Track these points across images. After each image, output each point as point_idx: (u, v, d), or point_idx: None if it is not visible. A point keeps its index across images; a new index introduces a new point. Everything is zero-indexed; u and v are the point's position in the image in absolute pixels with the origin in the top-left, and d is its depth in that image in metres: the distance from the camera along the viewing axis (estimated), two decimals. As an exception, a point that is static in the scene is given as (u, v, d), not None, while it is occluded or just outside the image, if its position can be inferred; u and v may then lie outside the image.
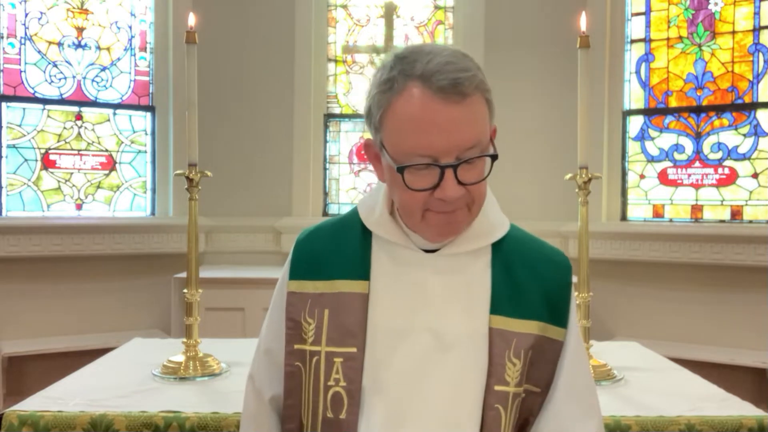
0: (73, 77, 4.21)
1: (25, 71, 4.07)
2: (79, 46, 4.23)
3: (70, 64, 4.20)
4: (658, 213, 4.21)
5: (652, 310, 4.06)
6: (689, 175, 4.11)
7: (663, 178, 4.19)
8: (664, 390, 1.78)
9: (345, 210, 1.33)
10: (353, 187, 4.60)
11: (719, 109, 4.05)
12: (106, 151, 4.30)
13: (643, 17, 4.28)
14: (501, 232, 1.17)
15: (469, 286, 1.14)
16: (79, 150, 4.22)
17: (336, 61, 4.60)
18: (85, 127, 4.24)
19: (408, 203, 1.06)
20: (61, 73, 4.17)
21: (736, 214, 3.99)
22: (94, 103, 4.26)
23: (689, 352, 3.57)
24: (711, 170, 4.06)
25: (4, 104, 4.00)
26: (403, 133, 1.02)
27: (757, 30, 3.95)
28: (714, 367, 3.42)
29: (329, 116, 4.58)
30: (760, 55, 3.94)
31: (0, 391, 3.68)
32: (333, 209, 4.57)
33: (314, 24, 4.49)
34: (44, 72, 4.13)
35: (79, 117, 4.22)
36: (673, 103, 4.18)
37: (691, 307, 3.96)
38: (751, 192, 3.96)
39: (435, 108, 0.99)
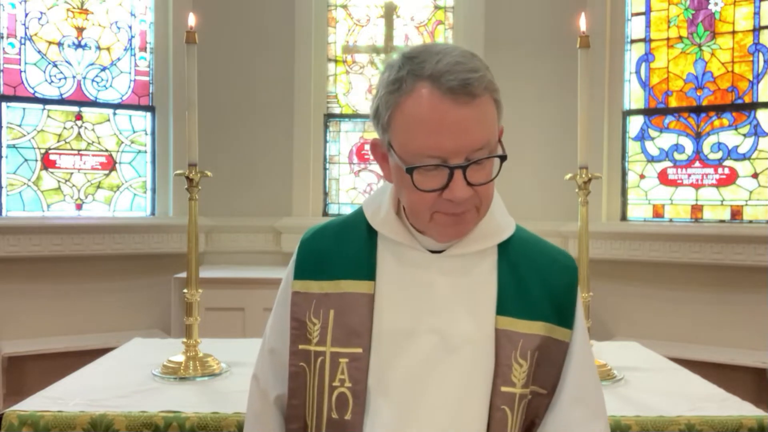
0: (73, 77, 4.21)
1: (25, 71, 4.07)
2: (79, 46, 4.23)
3: (70, 64, 4.20)
4: (658, 213, 4.21)
5: (652, 310, 4.06)
6: (689, 175, 4.11)
7: (663, 178, 4.19)
8: (664, 390, 1.78)
9: (345, 210, 1.33)
10: (353, 187, 4.60)
11: (719, 109, 4.05)
12: (106, 151, 4.30)
13: (643, 17, 4.28)
14: (507, 232, 1.17)
15: (476, 286, 1.14)
16: (79, 150, 4.22)
17: (336, 61, 4.60)
18: (85, 127, 4.24)
19: (416, 204, 1.06)
20: (61, 73, 4.18)
21: (736, 214, 3.99)
22: (94, 103, 4.26)
23: (689, 352, 3.57)
24: (711, 170, 4.06)
25: (4, 104, 4.00)
26: (412, 133, 1.01)
27: (757, 30, 3.95)
28: (714, 367, 3.42)
29: (329, 116, 4.58)
30: (760, 55, 3.94)
31: (0, 391, 3.68)
32: (333, 209, 4.57)
33: (314, 24, 4.49)
34: (44, 72, 4.13)
35: (79, 117, 4.22)
36: (673, 103, 4.18)
37: (691, 307, 3.96)
38: (751, 192, 3.96)
39: (444, 109, 0.98)
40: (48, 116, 4.14)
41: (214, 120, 4.05)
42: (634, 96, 4.30)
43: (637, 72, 4.29)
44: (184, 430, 1.52)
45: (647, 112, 4.26)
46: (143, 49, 4.42)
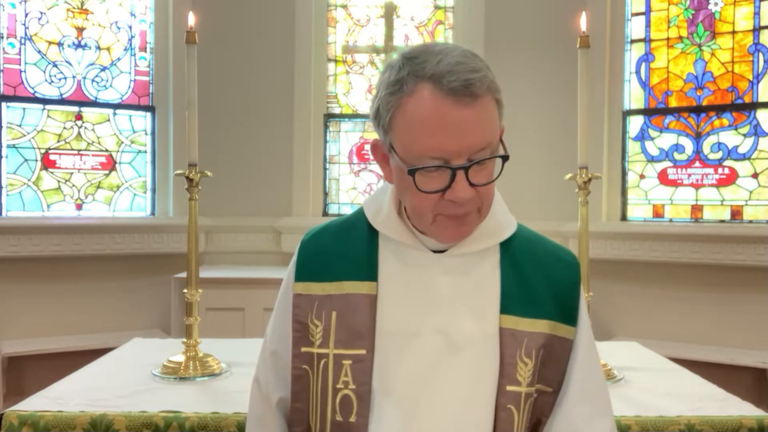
0: (73, 77, 4.21)
1: (25, 71, 4.07)
2: (79, 46, 4.23)
3: (70, 64, 4.20)
4: (658, 213, 4.21)
5: (652, 310, 4.06)
6: (689, 175, 4.11)
7: (663, 178, 4.19)
8: (664, 390, 1.78)
9: (345, 210, 1.33)
10: (353, 187, 4.60)
11: (719, 109, 4.05)
12: (106, 151, 4.30)
13: (643, 17, 4.28)
14: (509, 231, 1.17)
15: (479, 286, 1.13)
16: (79, 150, 4.22)
17: (336, 61, 4.60)
18: (85, 127, 4.24)
19: (419, 206, 1.06)
20: (61, 73, 4.18)
21: (736, 214, 3.99)
22: (94, 103, 4.26)
23: (689, 352, 3.57)
24: (711, 170, 4.06)
25: (4, 104, 4.00)
26: (414, 135, 1.01)
27: (757, 30, 3.95)
28: (714, 367, 3.42)
29: (329, 116, 4.58)
30: (760, 55, 3.94)
31: (0, 391, 3.68)
32: (333, 209, 4.57)
33: (314, 24, 4.49)
34: (44, 72, 4.13)
35: (79, 117, 4.22)
36: (673, 103, 4.18)
37: (691, 307, 3.96)
38: (751, 192, 3.96)
39: (446, 110, 0.98)
40: (48, 116, 4.14)
41: (214, 120, 4.05)
42: (634, 96, 4.30)
43: (637, 72, 4.29)
44: (184, 430, 1.52)
45: (647, 112, 4.26)
46: (143, 49, 4.42)
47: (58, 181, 4.16)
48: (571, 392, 1.14)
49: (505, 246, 1.16)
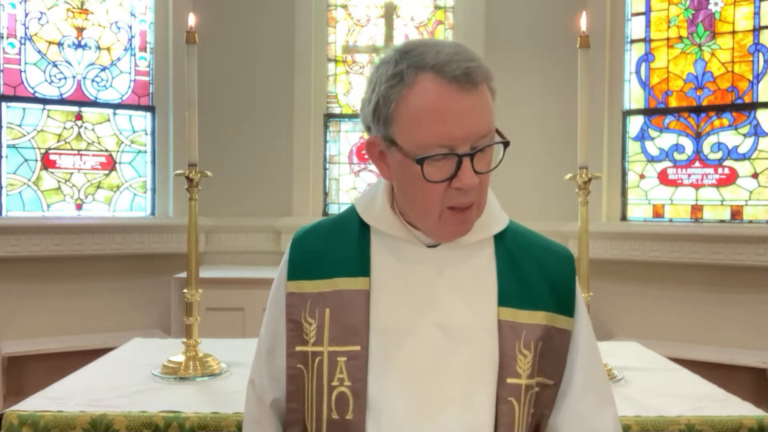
0: (73, 77, 4.21)
1: (25, 71, 4.07)
2: (79, 46, 4.23)
3: (70, 64, 4.20)
4: (658, 213, 4.21)
5: (652, 310, 4.06)
6: (689, 175, 4.11)
7: (663, 178, 4.19)
8: (664, 390, 1.78)
9: (345, 210, 1.33)
10: (353, 187, 4.60)
11: (719, 109, 4.05)
12: (106, 151, 4.30)
13: (643, 17, 4.28)
14: (502, 224, 1.18)
15: (475, 278, 1.14)
16: (79, 150, 4.22)
17: (336, 61, 4.60)
18: (85, 127, 4.24)
19: (425, 200, 1.06)
20: (61, 73, 4.17)
21: (736, 214, 3.99)
22: (94, 103, 4.26)
23: (689, 352, 3.57)
24: (711, 170, 4.06)
25: (4, 104, 4.01)
26: (419, 124, 1.02)
27: (757, 30, 3.95)
28: (714, 367, 3.42)
29: (329, 116, 4.58)
30: (760, 55, 3.94)
31: (0, 391, 3.68)
32: (333, 209, 4.57)
33: (314, 24, 4.49)
34: (44, 72, 4.13)
35: (79, 117, 4.22)
36: (673, 103, 4.18)
37: (691, 307, 3.96)
38: (751, 192, 3.96)
39: (451, 98, 1.00)
40: (48, 116, 4.14)
41: (214, 120, 4.05)
42: (634, 96, 4.30)
43: (637, 72, 4.29)
44: (184, 430, 1.52)
45: (647, 112, 4.26)
46: (143, 49, 4.42)
47: (58, 181, 4.16)
48: (576, 384, 1.15)
49: (499, 239, 1.17)
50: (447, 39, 4.52)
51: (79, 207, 4.22)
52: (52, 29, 4.15)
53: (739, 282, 3.85)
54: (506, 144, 1.06)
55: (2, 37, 3.99)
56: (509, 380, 1.09)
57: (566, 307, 1.16)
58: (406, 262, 1.14)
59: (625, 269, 4.12)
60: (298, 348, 1.14)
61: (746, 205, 3.97)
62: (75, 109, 4.21)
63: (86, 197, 4.24)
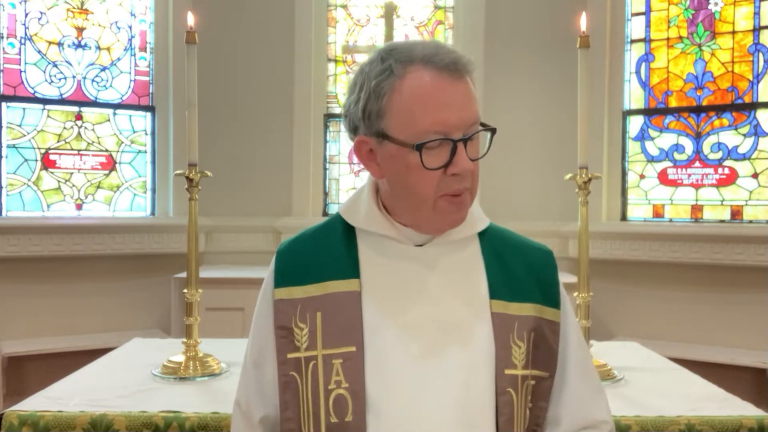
0: (73, 77, 4.21)
1: (25, 71, 4.07)
2: (79, 46, 4.23)
3: (70, 64, 4.20)
4: (658, 213, 4.21)
5: (652, 310, 4.06)
6: (689, 175, 4.11)
7: (663, 178, 4.19)
8: (664, 390, 1.78)
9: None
10: (353, 187, 4.60)
11: (719, 109, 4.05)
12: (106, 151, 4.30)
13: (643, 17, 4.28)
14: (484, 223, 1.21)
15: (465, 273, 1.16)
16: (79, 150, 4.22)
17: (336, 61, 4.59)
18: (85, 127, 4.24)
19: (421, 188, 1.07)
20: (61, 73, 4.17)
21: (736, 214, 3.99)
22: (94, 103, 4.26)
23: (689, 352, 3.56)
24: (711, 170, 4.06)
25: (4, 104, 4.00)
26: (415, 111, 1.04)
27: (757, 30, 3.95)
28: (714, 367, 3.42)
29: (329, 116, 4.58)
30: (760, 55, 3.94)
31: (0, 391, 3.68)
32: (333, 209, 4.57)
33: (314, 24, 4.49)
34: (44, 72, 4.13)
35: (79, 117, 4.22)
36: (673, 103, 4.18)
37: (691, 307, 3.96)
38: (751, 192, 3.96)
39: (443, 85, 1.04)
40: (48, 116, 4.14)
41: (214, 120, 4.04)
42: (634, 96, 4.30)
43: (637, 72, 4.29)
44: (184, 430, 1.52)
45: (647, 112, 4.26)
46: (143, 49, 4.42)
47: (58, 181, 4.16)
48: (571, 373, 1.18)
49: (482, 237, 1.20)
50: (447, 39, 4.53)
51: (79, 207, 4.22)
52: (52, 29, 4.15)
53: (739, 282, 3.85)
54: (493, 131, 1.11)
55: (2, 37, 3.99)
56: (507, 371, 1.10)
57: (552, 299, 1.19)
58: (395, 260, 1.15)
59: (625, 269, 4.12)
60: (290, 355, 1.13)
61: (746, 205, 3.97)
62: (75, 109, 4.21)
63: (86, 197, 4.24)
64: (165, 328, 4.13)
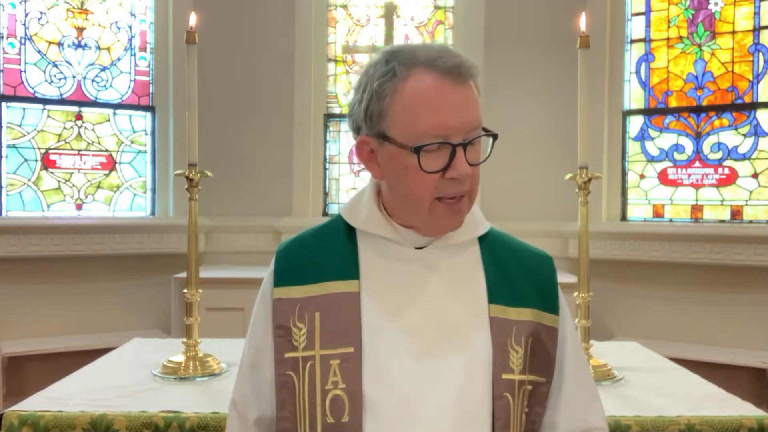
0: (73, 77, 4.21)
1: (25, 71, 4.07)
2: (79, 46, 4.23)
3: (70, 64, 4.20)
4: (658, 213, 4.21)
5: (652, 310, 4.06)
6: (689, 175, 4.11)
7: (663, 178, 4.19)
8: (664, 390, 1.78)
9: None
10: (353, 187, 4.60)
11: (719, 109, 4.05)
12: (106, 151, 4.30)
13: (643, 17, 4.28)
14: (485, 227, 1.21)
15: (465, 277, 1.16)
16: (79, 150, 4.22)
17: (336, 61, 4.60)
18: (85, 127, 4.24)
19: (417, 191, 1.08)
20: (61, 73, 4.17)
21: (736, 214, 3.99)
22: (94, 103, 4.26)
23: (689, 352, 3.56)
24: (711, 170, 4.06)
25: (4, 104, 4.00)
26: (414, 114, 1.05)
27: (757, 30, 3.95)
28: (714, 367, 3.42)
29: (329, 116, 4.58)
30: (760, 55, 3.94)
31: (0, 391, 3.68)
32: (333, 209, 4.57)
33: (314, 24, 4.49)
34: (44, 72, 4.13)
35: (79, 117, 4.22)
36: (673, 103, 4.19)
37: (691, 307, 3.96)
38: (751, 192, 3.96)
39: (445, 88, 1.04)
40: (48, 116, 4.14)
41: (214, 120, 4.05)
42: (634, 96, 4.30)
43: (637, 72, 4.29)
44: (184, 430, 1.52)
45: (647, 112, 4.26)
46: (143, 49, 4.42)
47: (58, 181, 4.16)
48: (567, 379, 1.18)
49: (483, 241, 1.20)
50: (447, 39, 4.53)
51: (79, 207, 4.22)
52: (52, 29, 4.15)
53: (739, 282, 3.85)
54: (495, 136, 1.10)
55: (2, 37, 3.99)
56: (504, 376, 1.10)
57: (551, 305, 1.19)
58: (394, 262, 1.15)
59: (625, 269, 4.12)
60: (288, 354, 1.13)
61: (746, 205, 3.97)
62: (75, 109, 4.21)
63: (86, 197, 4.24)
64: (165, 328, 4.13)
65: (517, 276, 1.18)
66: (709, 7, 4.09)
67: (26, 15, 4.07)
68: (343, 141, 4.61)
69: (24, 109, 4.07)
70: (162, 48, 4.41)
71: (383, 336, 1.10)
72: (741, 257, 3.80)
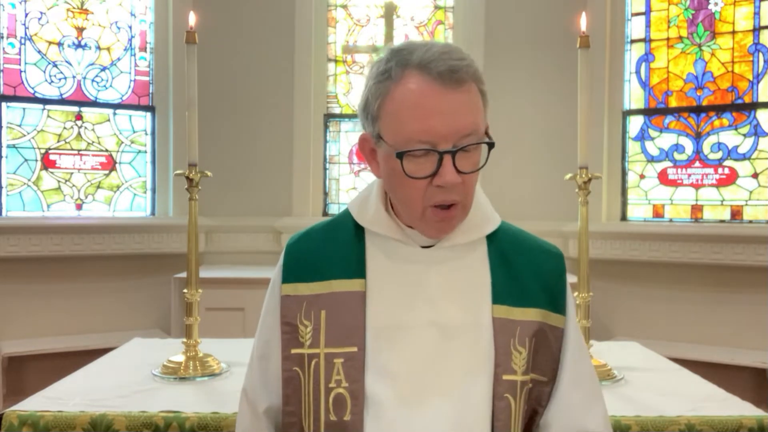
0: (73, 77, 4.21)
1: (25, 71, 4.07)
2: (79, 46, 4.23)
3: (70, 64, 4.20)
4: (658, 213, 4.21)
5: (652, 310, 4.06)
6: (689, 175, 4.11)
7: (663, 178, 4.19)
8: (664, 390, 1.78)
9: (345, 210, 1.33)
10: (353, 187, 4.60)
11: (719, 109, 4.05)
12: (106, 151, 4.30)
13: (643, 17, 4.28)
14: (494, 224, 1.20)
15: (469, 277, 1.15)
16: (79, 150, 4.22)
17: (336, 61, 4.60)
18: (85, 127, 4.24)
19: (408, 196, 1.07)
20: (61, 73, 4.17)
21: (736, 214, 3.99)
22: (94, 103, 4.26)
23: (689, 352, 3.56)
24: (711, 170, 4.06)
25: (4, 104, 4.00)
26: (402, 118, 1.03)
27: (757, 30, 3.95)
28: (714, 367, 3.42)
29: (329, 116, 4.58)
30: (760, 55, 3.94)
31: (0, 391, 3.68)
32: (333, 209, 4.57)
33: (314, 24, 4.49)
34: (44, 72, 4.13)
35: (79, 117, 4.22)
36: (673, 103, 4.18)
37: (691, 307, 3.96)
38: (751, 192, 3.96)
39: (434, 94, 1.01)
40: (48, 116, 4.14)
41: (214, 120, 4.05)
42: (634, 96, 4.30)
43: (637, 72, 4.29)
44: (184, 430, 1.52)
45: (647, 112, 4.26)
46: (143, 49, 4.42)
47: (58, 181, 4.16)
48: (565, 379, 1.16)
49: (491, 239, 1.19)
50: (447, 39, 4.52)
51: (79, 207, 4.22)
52: (52, 29, 4.15)
53: (739, 282, 3.85)
54: (491, 145, 1.07)
55: (2, 37, 3.99)
56: (505, 377, 1.10)
57: (558, 305, 1.18)
58: (400, 262, 1.15)
59: (625, 269, 4.12)
60: (294, 351, 1.14)
61: (746, 205, 3.97)
62: (75, 109, 4.21)
63: (86, 197, 4.24)
64: (165, 328, 4.13)
65: (525, 275, 1.17)
66: (709, 7, 4.09)
67: (26, 15, 4.07)
68: (343, 141, 4.61)
69: (24, 109, 4.07)
70: (162, 48, 4.41)
71: (386, 337, 1.10)
72: (741, 257, 3.80)
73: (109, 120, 4.32)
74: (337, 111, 4.60)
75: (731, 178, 4.00)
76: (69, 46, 4.20)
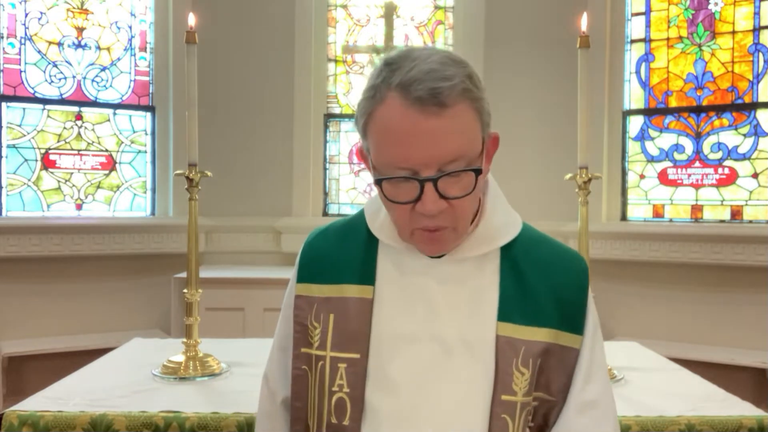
0: (73, 77, 4.21)
1: (25, 71, 4.07)
2: (79, 46, 4.23)
3: (70, 64, 4.20)
4: (658, 213, 4.21)
5: (652, 310, 4.06)
6: (689, 175, 4.11)
7: (663, 178, 4.19)
8: (664, 390, 1.78)
9: (345, 210, 1.33)
10: (353, 187, 4.60)
11: (719, 109, 4.05)
12: (106, 151, 4.30)
13: (643, 17, 4.28)
14: (510, 234, 1.13)
15: (476, 292, 1.11)
16: (79, 150, 4.22)
17: (336, 61, 4.60)
18: (85, 127, 4.24)
19: (394, 216, 1.05)
20: (61, 73, 4.17)
21: (736, 214, 3.99)
22: (94, 103, 4.26)
23: (689, 352, 3.57)
24: (711, 170, 4.06)
25: (4, 104, 4.00)
26: (381, 144, 0.99)
27: (757, 30, 3.95)
28: (714, 367, 3.42)
29: (329, 116, 4.58)
30: (760, 55, 3.94)
31: (0, 391, 3.68)
32: (333, 209, 4.57)
33: (314, 24, 4.49)
34: (44, 72, 4.13)
35: (79, 117, 4.22)
36: (673, 103, 4.18)
37: (691, 307, 3.96)
38: (751, 192, 3.96)
39: (411, 120, 0.95)
40: (48, 116, 4.14)
41: (214, 120, 4.05)
42: (634, 96, 4.30)
43: (637, 72, 4.29)
44: (184, 430, 1.52)
45: (647, 112, 4.26)
46: (143, 49, 4.42)
47: (58, 181, 4.16)
48: (572, 402, 1.10)
49: (507, 250, 1.12)
50: (447, 39, 4.52)
51: (79, 207, 4.22)
52: (52, 29, 4.15)
53: (739, 282, 3.85)
54: (477, 172, 0.99)
55: (2, 37, 3.99)
56: (504, 397, 1.06)
57: (574, 324, 1.11)
58: (408, 273, 1.12)
59: (625, 269, 4.12)
60: (304, 350, 1.15)
61: (746, 205, 3.97)
62: (75, 109, 4.21)
63: (86, 197, 4.24)
64: (165, 328, 4.13)
65: (539, 290, 1.10)
66: (709, 7, 4.09)
67: (26, 15, 4.07)
68: (343, 141, 4.61)
69: (24, 109, 4.07)
70: (162, 48, 4.41)
71: (389, 347, 1.09)
72: (741, 257, 3.80)
73: (109, 120, 4.32)
74: (337, 111, 4.60)
75: (731, 178, 4.00)
76: (69, 46, 4.20)
